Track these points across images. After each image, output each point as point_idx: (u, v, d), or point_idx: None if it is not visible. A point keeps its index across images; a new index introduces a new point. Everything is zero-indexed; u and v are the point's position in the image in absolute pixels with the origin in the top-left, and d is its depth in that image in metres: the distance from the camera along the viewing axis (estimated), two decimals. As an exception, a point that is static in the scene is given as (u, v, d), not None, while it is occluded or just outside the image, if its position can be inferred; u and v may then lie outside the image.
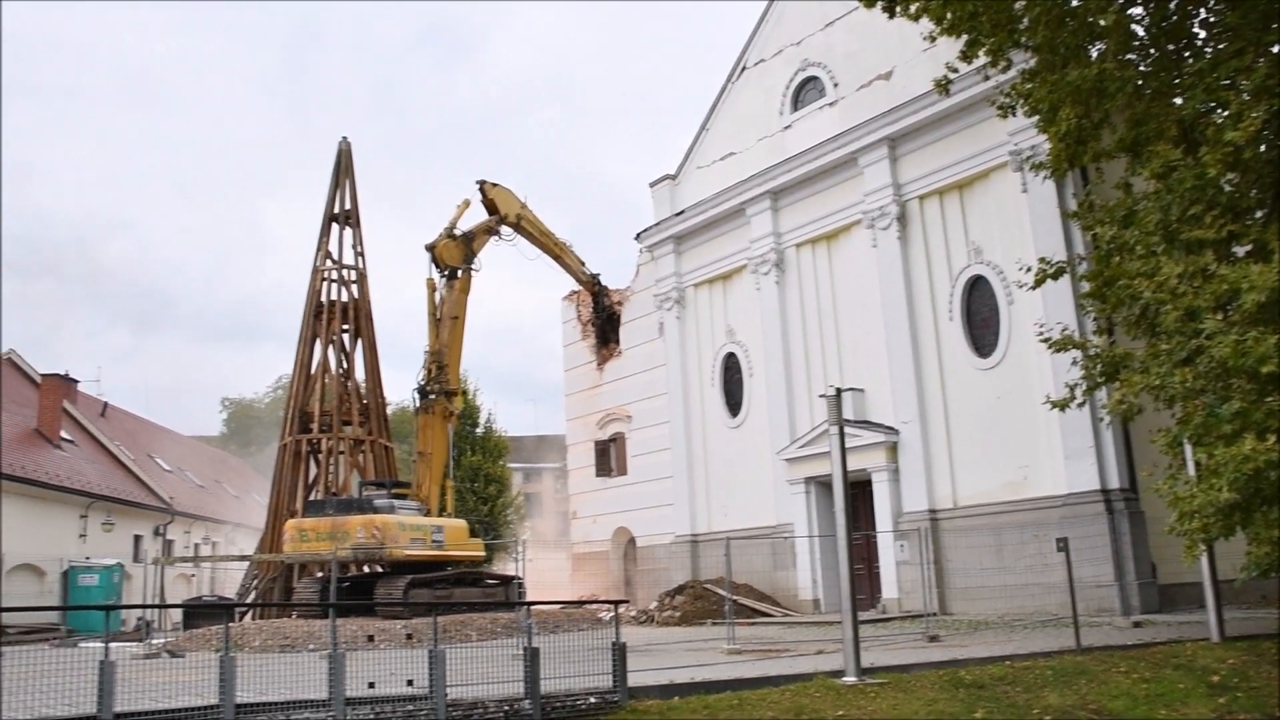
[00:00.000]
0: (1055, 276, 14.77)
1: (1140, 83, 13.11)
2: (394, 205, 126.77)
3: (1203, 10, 13.29)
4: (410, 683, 10.58)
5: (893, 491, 23.85)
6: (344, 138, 29.94)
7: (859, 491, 23.39)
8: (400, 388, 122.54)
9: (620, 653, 11.63)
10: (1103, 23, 12.86)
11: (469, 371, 49.51)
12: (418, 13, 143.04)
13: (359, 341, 29.47)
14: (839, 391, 14.73)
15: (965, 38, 14.50)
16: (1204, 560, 14.67)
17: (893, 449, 24.00)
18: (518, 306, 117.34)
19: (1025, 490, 21.58)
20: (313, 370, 28.93)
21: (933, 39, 15.34)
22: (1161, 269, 11.49)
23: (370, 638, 19.35)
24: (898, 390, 24.11)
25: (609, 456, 33.56)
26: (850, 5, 25.30)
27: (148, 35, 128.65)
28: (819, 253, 27.02)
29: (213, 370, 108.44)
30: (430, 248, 27.62)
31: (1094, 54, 13.35)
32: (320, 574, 24.79)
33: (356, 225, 29.87)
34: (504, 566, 32.61)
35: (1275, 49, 11.98)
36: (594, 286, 33.96)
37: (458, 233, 28.08)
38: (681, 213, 30.66)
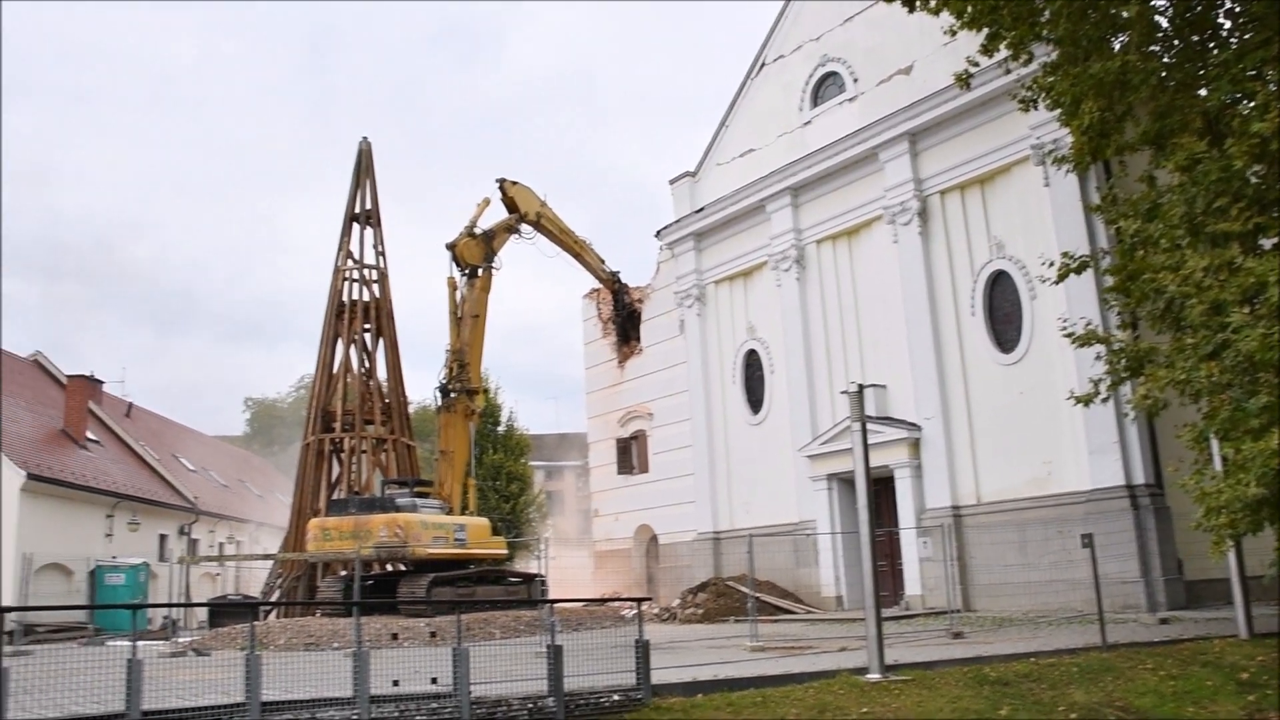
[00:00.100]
0: (1078, 271, 14.64)
1: (1164, 75, 12.98)
2: (414, 204, 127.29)
3: (1228, 0, 13.15)
4: (434, 681, 10.61)
5: (915, 488, 23.75)
6: (364, 138, 30.06)
7: (881, 488, 23.29)
8: (422, 386, 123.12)
9: (644, 650, 11.62)
10: (1125, 14, 12.73)
11: (490, 370, 49.71)
12: (436, 12, 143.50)
13: (380, 341, 29.55)
14: (861, 388, 14.69)
15: (986, 31, 14.41)
16: (1231, 556, 14.55)
17: (915, 445, 23.90)
18: (538, 305, 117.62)
19: (1049, 486, 21.46)
20: (335, 370, 29.04)
21: (953, 33, 15.25)
22: (1187, 262, 11.38)
23: (394, 636, 19.42)
24: (920, 386, 24.02)
25: (630, 454, 33.58)
26: (869, 0, 25.26)
27: (169, 38, 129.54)
28: (840, 249, 26.94)
29: (235, 370, 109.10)
30: (451, 246, 27.65)
31: (1117, 46, 13.23)
32: (344, 572, 24.87)
33: (377, 225, 29.96)
34: (526, 564, 32.69)
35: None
36: (614, 284, 33.96)
37: (478, 231, 28.09)
38: (701, 210, 30.63)
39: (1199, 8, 13.08)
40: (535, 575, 26.19)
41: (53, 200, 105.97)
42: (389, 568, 25.96)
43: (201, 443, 51.55)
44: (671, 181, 32.21)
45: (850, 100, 26.69)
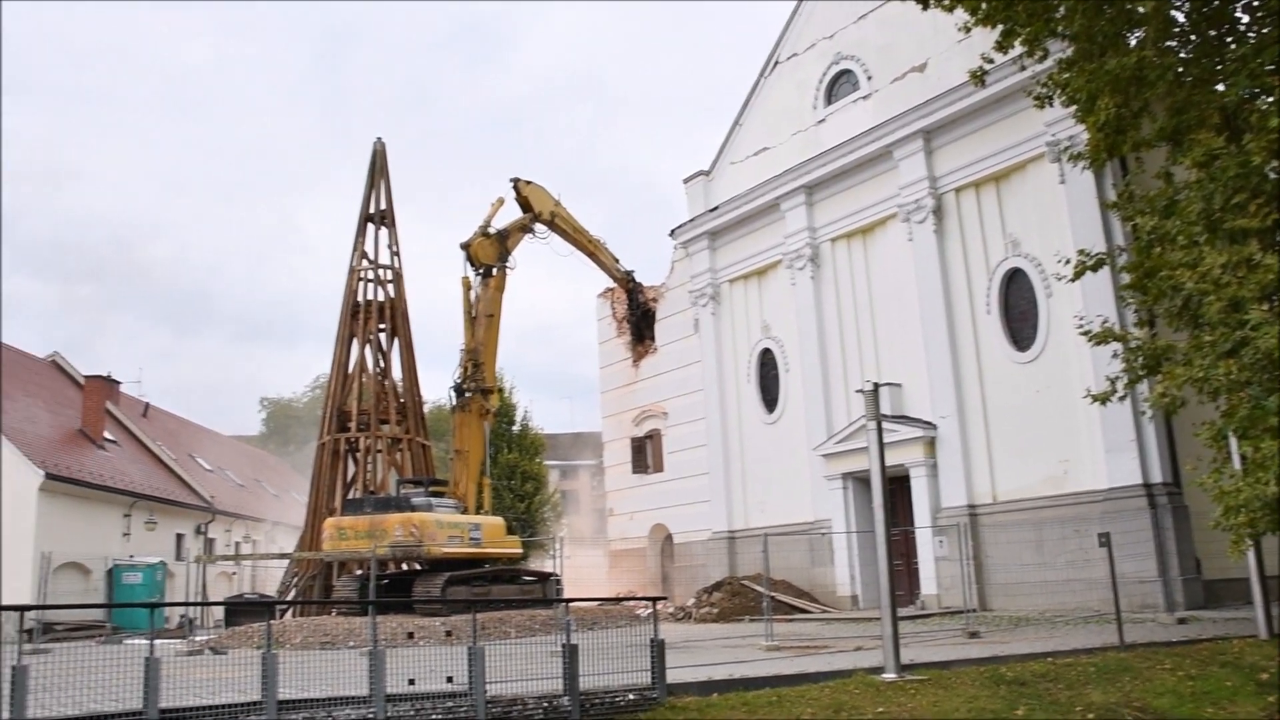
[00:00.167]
0: (1095, 268, 14.57)
1: (1181, 70, 12.90)
2: (428, 204, 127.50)
3: (1245, -5, 13.07)
4: (450, 679, 10.63)
5: (931, 487, 23.68)
6: (378, 138, 30.17)
7: (897, 487, 23.21)
8: (437, 386, 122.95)
9: (659, 649, 11.62)
10: (1141, 10, 12.66)
11: (505, 369, 49.64)
12: (449, 13, 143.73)
13: (395, 340, 29.64)
14: (876, 386, 14.65)
15: (1001, 28, 14.34)
16: (1251, 555, 14.46)
17: (931, 444, 23.83)
18: (552, 304, 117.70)
19: (1066, 485, 21.36)
20: (350, 369, 29.14)
21: (968, 30, 15.19)
22: (1204, 259, 11.31)
23: (410, 635, 19.46)
24: (935, 385, 23.94)
25: (645, 453, 33.57)
26: (883, -3, 25.20)
27: (185, 39, 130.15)
28: (854, 247, 26.87)
29: (251, 370, 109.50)
30: (465, 246, 27.69)
31: (1133, 42, 13.15)
32: (359, 571, 24.95)
33: (392, 225, 30.04)
34: (541, 563, 32.72)
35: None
36: (628, 283, 33.96)
37: (492, 231, 28.13)
38: (716, 208, 30.60)
39: (1216, 2, 12.99)
40: (550, 574, 26.21)
41: (70, 201, 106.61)
42: (404, 567, 26.03)
43: (218, 442, 51.77)
44: (685, 180, 32.19)
45: (864, 98, 26.62)
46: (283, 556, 31.22)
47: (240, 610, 25.77)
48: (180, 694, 10.04)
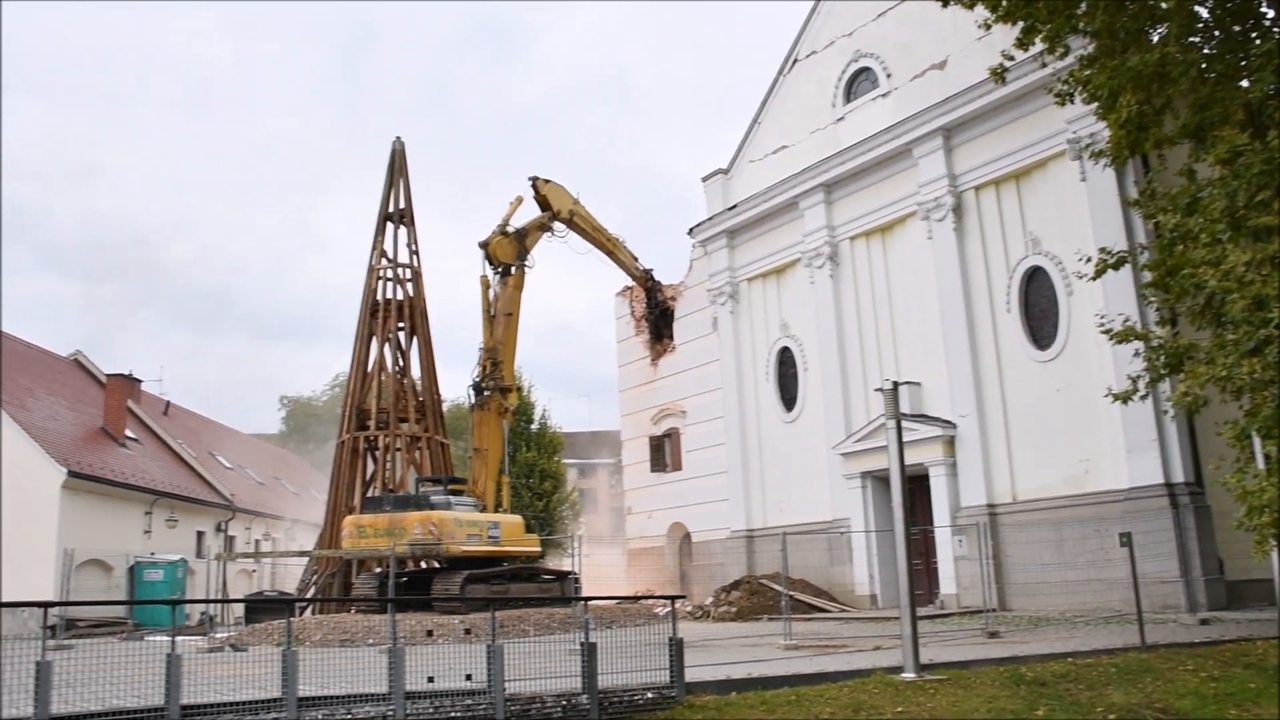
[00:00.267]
0: (1116, 266, 14.46)
1: (1204, 66, 12.78)
2: (447, 203, 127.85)
3: (1270, -11, 12.95)
4: (469, 677, 10.65)
5: (950, 486, 23.59)
6: (398, 138, 30.24)
7: (916, 486, 23.13)
8: (455, 385, 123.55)
9: (677, 648, 11.61)
10: (1164, 5, 12.56)
11: (523, 368, 49.92)
12: (469, 12, 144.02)
13: (414, 339, 29.72)
14: (895, 385, 14.61)
15: (1021, 24, 14.27)
16: (1275, 556, 14.37)
17: (950, 443, 23.73)
18: (571, 303, 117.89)
19: (1086, 484, 21.24)
20: (369, 368, 29.24)
21: (988, 26, 15.09)
22: (1228, 257, 11.21)
23: (429, 632, 19.51)
24: (955, 384, 23.85)
25: (664, 452, 33.57)
26: (902, -5, 25.10)
27: (205, 39, 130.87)
28: (873, 245, 26.79)
29: (271, 369, 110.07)
30: (484, 245, 27.75)
31: (1155, 38, 13.05)
32: (378, 569, 25.04)
33: (411, 224, 30.13)
34: (559, 562, 32.76)
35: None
36: (647, 282, 33.95)
37: (511, 229, 28.18)
38: (734, 207, 30.56)
39: (1240, -2, 12.88)
40: (569, 573, 26.25)
41: (92, 201, 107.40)
42: (423, 565, 26.10)
43: (238, 440, 52.04)
44: (704, 179, 32.16)
45: (884, 96, 26.52)
46: (302, 554, 31.34)
47: (260, 607, 25.90)
48: (201, 690, 10.09)
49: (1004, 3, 13.92)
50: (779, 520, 27.86)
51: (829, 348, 27.40)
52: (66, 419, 33.96)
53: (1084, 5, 13.25)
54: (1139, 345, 14.06)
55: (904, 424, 15.58)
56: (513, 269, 28.12)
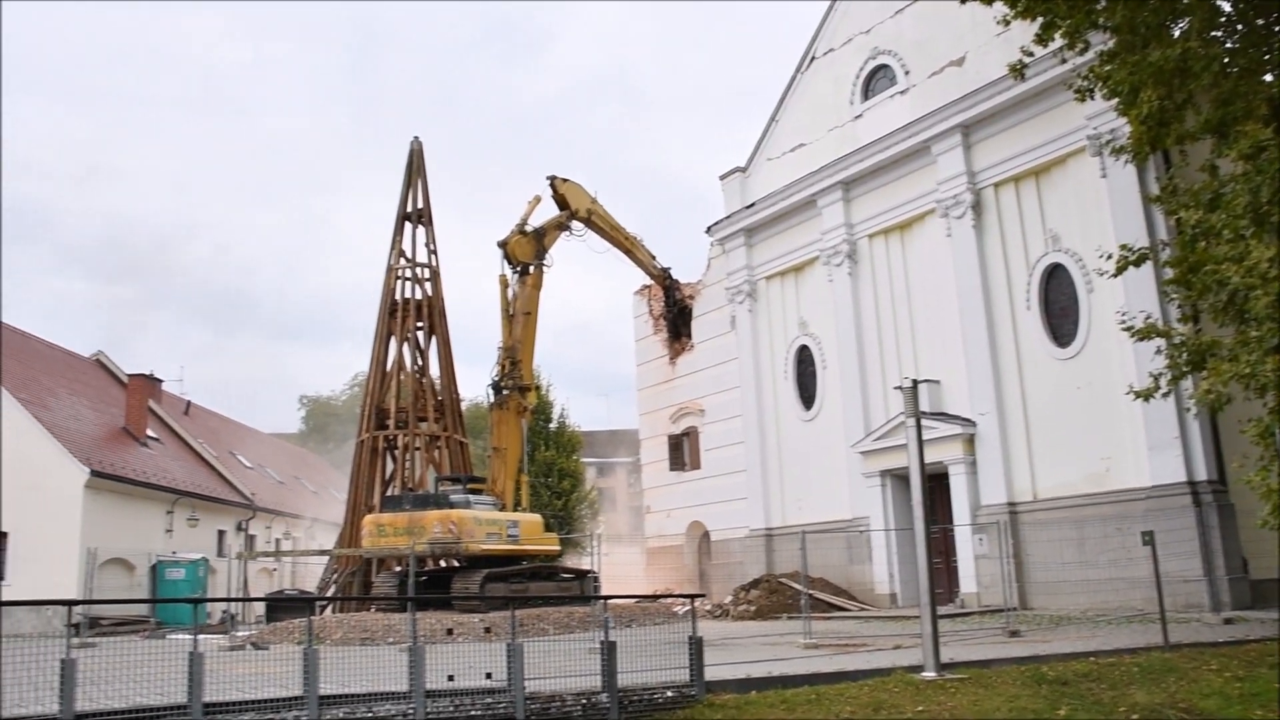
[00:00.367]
0: (1137, 263, 14.35)
1: (1227, 60, 12.66)
2: (463, 203, 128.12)
3: (1294, -18, 12.81)
4: (489, 676, 10.68)
5: (970, 484, 23.49)
6: (415, 137, 30.32)
7: (936, 484, 23.07)
8: (474, 384, 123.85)
9: (697, 646, 11.62)
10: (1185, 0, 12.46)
11: (542, 366, 49.99)
12: (481, 12, 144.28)
13: (433, 338, 29.81)
14: (915, 383, 14.57)
15: (1041, 20, 14.16)
16: (1298, 554, 14.21)
17: (970, 441, 23.64)
18: (589, 302, 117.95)
19: (1107, 482, 21.11)
20: (388, 367, 29.34)
21: (1007, 22, 15.00)
22: (1251, 253, 11.11)
23: (449, 631, 19.56)
24: (974, 382, 23.75)
25: (682, 450, 33.55)
26: (920, -8, 24.99)
27: (219, 40, 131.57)
28: (892, 243, 26.71)
29: (291, 368, 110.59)
30: (502, 244, 27.81)
31: (1176, 32, 12.94)
32: (398, 568, 25.13)
33: (429, 224, 30.21)
34: (578, 561, 32.80)
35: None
36: (665, 280, 33.94)
37: (529, 229, 28.23)
38: (752, 205, 30.52)
39: (1264, -10, 12.76)
40: (588, 571, 26.26)
41: (112, 202, 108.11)
42: (443, 564, 26.17)
43: (258, 440, 52.31)
44: (722, 177, 32.13)
45: (901, 93, 26.43)
46: (322, 553, 31.49)
47: (281, 606, 26.02)
48: (223, 688, 10.16)
49: (1023, -1, 13.83)
50: (798, 519, 27.81)
51: (848, 346, 27.33)
52: (89, 419, 34.22)
53: (1104, 0, 13.15)
54: (1161, 342, 13.95)
55: (923, 422, 15.50)
56: (531, 268, 28.17)
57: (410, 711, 9.89)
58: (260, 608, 28.59)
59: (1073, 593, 20.75)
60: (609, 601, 16.73)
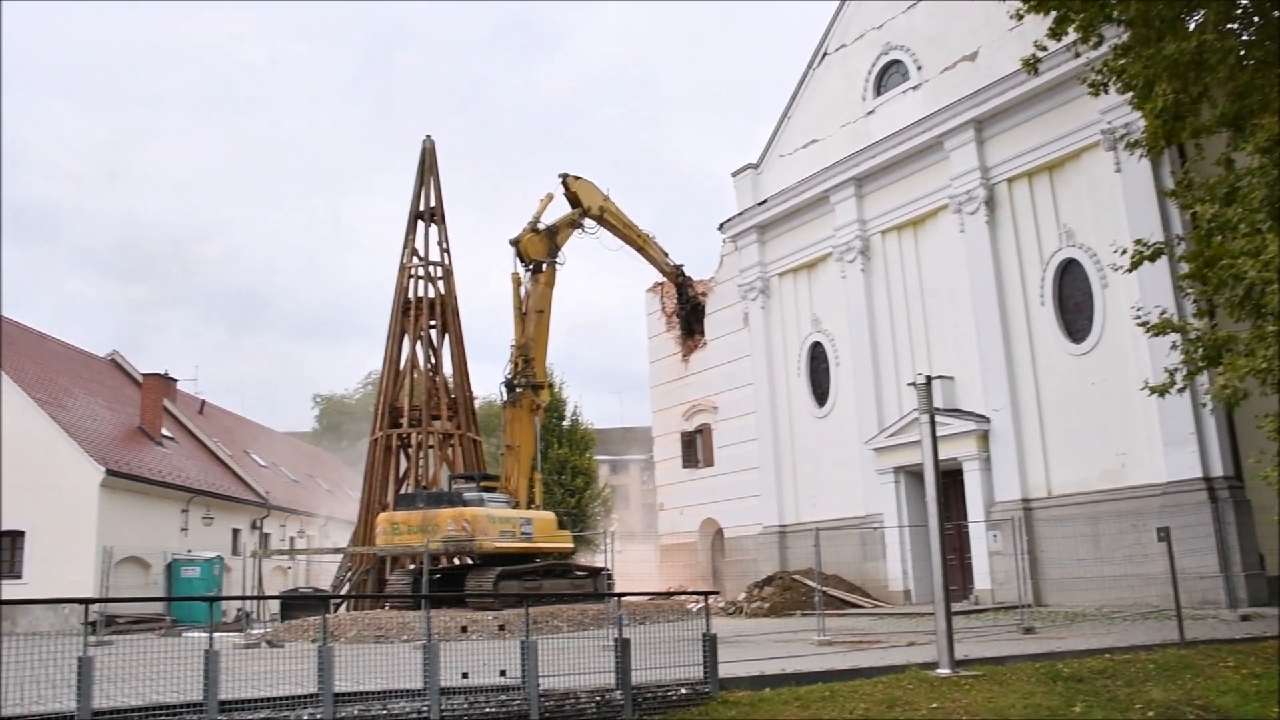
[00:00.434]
0: (1152, 258, 14.26)
1: (1243, 53, 12.58)
2: (477, 201, 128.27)
3: (1311, -27, 12.72)
4: (503, 673, 10.70)
5: (984, 480, 23.42)
6: (428, 136, 30.35)
7: (950, 481, 22.98)
8: (487, 382, 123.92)
9: (711, 643, 11.61)
10: (1200, -8, 12.39)
11: (555, 364, 49.99)
12: (497, 11, 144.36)
13: (446, 337, 29.84)
14: (929, 379, 14.51)
15: (1054, 14, 14.10)
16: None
17: (984, 437, 23.56)
18: (602, 299, 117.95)
19: (1123, 479, 21.02)
20: (402, 366, 29.39)
21: (1020, 17, 14.96)
22: (1268, 247, 11.03)
23: (463, 629, 19.60)
24: (988, 378, 23.67)
25: (695, 448, 33.53)
26: (933, -14, 24.90)
27: (237, 40, 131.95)
28: (905, 239, 26.64)
29: (304, 367, 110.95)
30: (515, 242, 27.82)
31: (1192, 25, 12.86)
32: (412, 566, 25.18)
33: (442, 222, 30.24)
34: (591, 558, 32.81)
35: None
36: (678, 277, 33.91)
37: (541, 226, 28.23)
38: (764, 202, 30.46)
39: (1280, -18, 12.67)
40: (601, 569, 26.27)
41: (127, 203, 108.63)
42: (457, 561, 26.21)
43: (272, 439, 52.49)
44: (734, 174, 32.08)
45: (914, 88, 26.34)
46: (337, 551, 31.58)
47: (295, 604, 26.12)
48: (238, 686, 10.18)
49: (1037, -8, 13.77)
50: (811, 516, 27.78)
51: (861, 342, 27.27)
52: (104, 418, 34.39)
53: (1118, -7, 13.07)
54: (1176, 337, 13.89)
55: (937, 418, 15.47)
56: (544, 266, 28.18)
57: (425, 709, 9.91)
58: (275, 606, 28.71)
59: (1088, 589, 20.67)
60: (622, 599, 16.70)
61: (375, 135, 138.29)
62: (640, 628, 16.31)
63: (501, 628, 19.52)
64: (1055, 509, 22.09)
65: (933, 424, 13.88)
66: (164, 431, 37.57)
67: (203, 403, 45.41)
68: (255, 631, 22.35)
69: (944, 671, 12.12)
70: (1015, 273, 23.54)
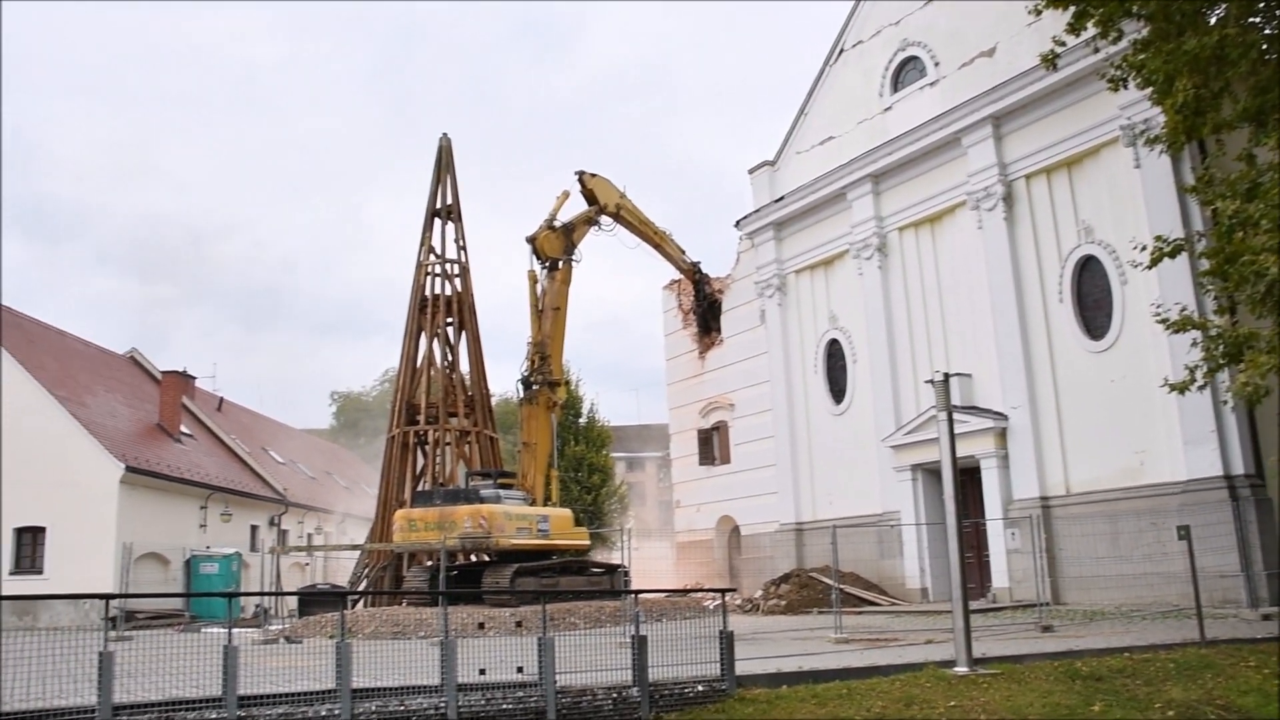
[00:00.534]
0: (1172, 254, 14.15)
1: (1265, 47, 12.47)
2: (494, 198, 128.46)
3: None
4: (520, 670, 10.71)
5: (1002, 478, 23.32)
6: (444, 134, 30.41)
7: (967, 478, 22.90)
8: (504, 379, 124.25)
9: (728, 641, 11.60)
10: (1223, -15, 12.29)
11: (571, 362, 49.98)
12: (512, 9, 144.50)
13: (463, 334, 29.90)
14: (946, 377, 14.46)
15: (1073, 9, 14.01)
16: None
17: (1002, 435, 23.46)
18: (618, 296, 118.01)
19: (1142, 476, 20.89)
20: (419, 363, 29.47)
21: (1038, 12, 14.86)
22: (1290, 243, 10.96)
23: (480, 625, 19.65)
24: (1006, 375, 23.56)
25: (712, 445, 33.49)
26: (951, -18, 24.78)
27: (255, 40, 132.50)
28: (922, 236, 26.53)
29: (322, 364, 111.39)
30: (531, 239, 27.85)
31: (1213, 19, 12.75)
32: (429, 563, 25.25)
33: (458, 220, 30.29)
34: (608, 555, 32.83)
35: None
36: (694, 275, 33.88)
37: (558, 224, 28.25)
38: (781, 199, 30.39)
39: (1303, -24, 12.55)
40: (618, 566, 26.29)
41: (146, 201, 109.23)
42: (474, 558, 26.28)
43: (290, 436, 52.75)
44: (750, 171, 32.01)
45: (931, 85, 26.23)
46: (354, 548, 31.71)
47: (313, 600, 26.23)
48: (257, 681, 10.24)
49: (1055, -13, 13.68)
50: (828, 513, 27.72)
51: (878, 339, 27.18)
52: (124, 415, 34.62)
53: (1138, -12, 12.98)
54: (1196, 334, 13.80)
55: (955, 416, 15.41)
56: (560, 263, 28.19)
57: (442, 705, 9.93)
58: (293, 602, 28.84)
59: (1106, 588, 20.56)
60: (639, 596, 16.70)
61: (391, 133, 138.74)
62: (657, 625, 16.29)
63: (519, 624, 19.56)
64: (1074, 507, 21.98)
65: (950, 421, 13.83)
66: (183, 428, 37.80)
67: (221, 400, 45.67)
68: (273, 627, 22.44)
69: (961, 670, 12.08)
70: (1033, 270, 23.41)
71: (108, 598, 9.68)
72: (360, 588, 28.34)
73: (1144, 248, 14.49)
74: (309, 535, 43.01)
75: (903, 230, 26.89)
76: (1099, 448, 21.73)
